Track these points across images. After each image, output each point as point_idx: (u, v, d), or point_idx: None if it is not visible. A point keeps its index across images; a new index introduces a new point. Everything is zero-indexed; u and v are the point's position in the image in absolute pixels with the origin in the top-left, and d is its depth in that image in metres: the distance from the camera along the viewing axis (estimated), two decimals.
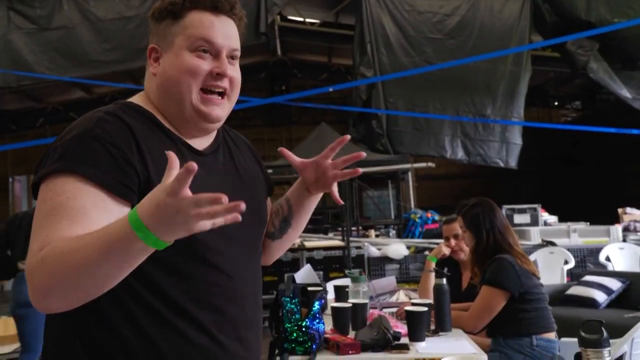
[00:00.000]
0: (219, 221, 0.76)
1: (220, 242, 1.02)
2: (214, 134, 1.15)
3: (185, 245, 0.89)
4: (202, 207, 0.75)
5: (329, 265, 5.45)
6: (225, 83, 1.06)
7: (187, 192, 0.75)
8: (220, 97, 1.07)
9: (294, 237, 1.30)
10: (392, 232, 7.39)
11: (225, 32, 1.06)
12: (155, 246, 0.79)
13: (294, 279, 1.84)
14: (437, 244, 5.67)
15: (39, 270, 0.85)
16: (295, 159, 1.19)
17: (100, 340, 0.95)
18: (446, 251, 2.75)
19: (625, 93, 7.50)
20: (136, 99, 1.10)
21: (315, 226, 7.73)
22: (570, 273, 4.85)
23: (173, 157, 0.79)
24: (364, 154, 1.16)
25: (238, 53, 1.09)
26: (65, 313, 0.91)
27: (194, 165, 0.74)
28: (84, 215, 0.89)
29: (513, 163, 7.73)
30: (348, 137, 1.19)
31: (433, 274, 2.61)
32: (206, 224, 0.76)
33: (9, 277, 5.25)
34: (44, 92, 11.82)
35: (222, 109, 1.08)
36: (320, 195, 1.24)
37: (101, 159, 0.92)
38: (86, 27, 7.50)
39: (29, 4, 7.46)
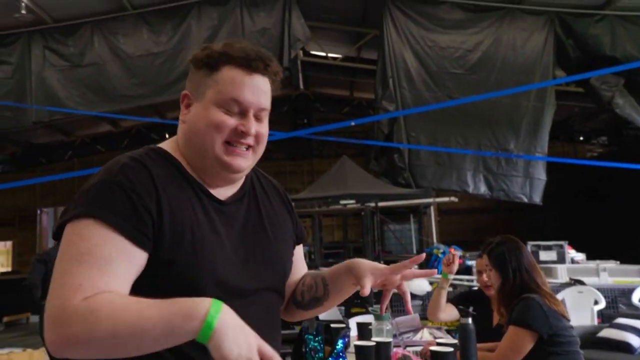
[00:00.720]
0: None
1: (236, 290, 1.02)
2: (240, 182, 1.15)
3: (201, 292, 0.91)
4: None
5: (350, 300, 5.35)
6: (249, 140, 1.07)
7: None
8: (245, 150, 1.08)
9: (321, 312, 1.30)
10: (414, 267, 7.28)
11: (255, 91, 1.07)
12: (201, 338, 0.83)
13: (317, 316, 1.81)
14: (461, 280, 5.56)
15: (79, 320, 0.85)
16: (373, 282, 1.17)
17: None
18: (453, 265, 2.67)
19: None
20: (166, 145, 1.12)
21: (337, 260, 7.66)
22: (601, 314, 4.67)
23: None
24: (423, 257, 1.22)
25: (267, 111, 1.10)
26: None
27: None
28: (110, 264, 0.91)
29: (537, 199, 7.60)
30: (423, 256, 1.23)
31: (444, 291, 2.60)
32: None
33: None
34: (74, 126, 12.19)
35: (245, 160, 1.08)
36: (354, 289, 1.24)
37: (122, 207, 0.95)
38: (116, 64, 7.77)
39: (64, 43, 7.78)
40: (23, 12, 7.14)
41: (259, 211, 1.16)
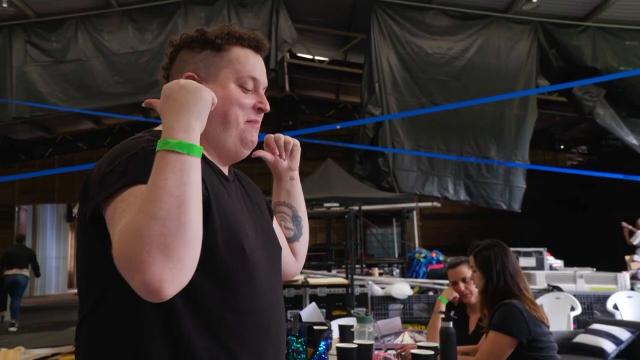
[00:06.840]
0: None
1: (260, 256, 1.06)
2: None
3: (245, 254, 0.98)
4: None
5: (332, 303, 5.37)
6: (261, 116, 1.13)
7: None
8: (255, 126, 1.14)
9: (307, 226, 1.37)
10: (396, 271, 7.31)
11: (262, 70, 1.13)
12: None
13: (300, 318, 1.81)
14: (442, 284, 5.61)
15: (136, 235, 0.76)
16: (269, 157, 1.29)
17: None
18: (455, 295, 2.73)
19: (631, 140, 7.54)
20: None
21: (319, 262, 7.67)
22: (576, 320, 4.75)
23: None
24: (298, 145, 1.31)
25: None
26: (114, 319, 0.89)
27: None
28: None
29: (516, 206, 7.70)
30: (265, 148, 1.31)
31: (442, 316, 2.59)
32: None
33: None
34: (55, 123, 12.01)
35: (257, 137, 1.14)
36: (297, 178, 1.35)
37: None
38: (99, 61, 7.68)
39: (46, 38, 7.67)
40: (4, 5, 7.03)
41: (245, 191, 1.19)
